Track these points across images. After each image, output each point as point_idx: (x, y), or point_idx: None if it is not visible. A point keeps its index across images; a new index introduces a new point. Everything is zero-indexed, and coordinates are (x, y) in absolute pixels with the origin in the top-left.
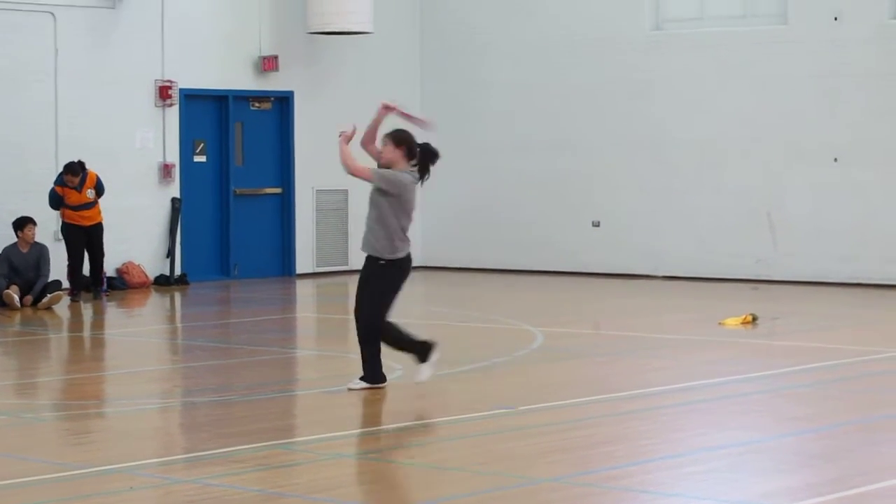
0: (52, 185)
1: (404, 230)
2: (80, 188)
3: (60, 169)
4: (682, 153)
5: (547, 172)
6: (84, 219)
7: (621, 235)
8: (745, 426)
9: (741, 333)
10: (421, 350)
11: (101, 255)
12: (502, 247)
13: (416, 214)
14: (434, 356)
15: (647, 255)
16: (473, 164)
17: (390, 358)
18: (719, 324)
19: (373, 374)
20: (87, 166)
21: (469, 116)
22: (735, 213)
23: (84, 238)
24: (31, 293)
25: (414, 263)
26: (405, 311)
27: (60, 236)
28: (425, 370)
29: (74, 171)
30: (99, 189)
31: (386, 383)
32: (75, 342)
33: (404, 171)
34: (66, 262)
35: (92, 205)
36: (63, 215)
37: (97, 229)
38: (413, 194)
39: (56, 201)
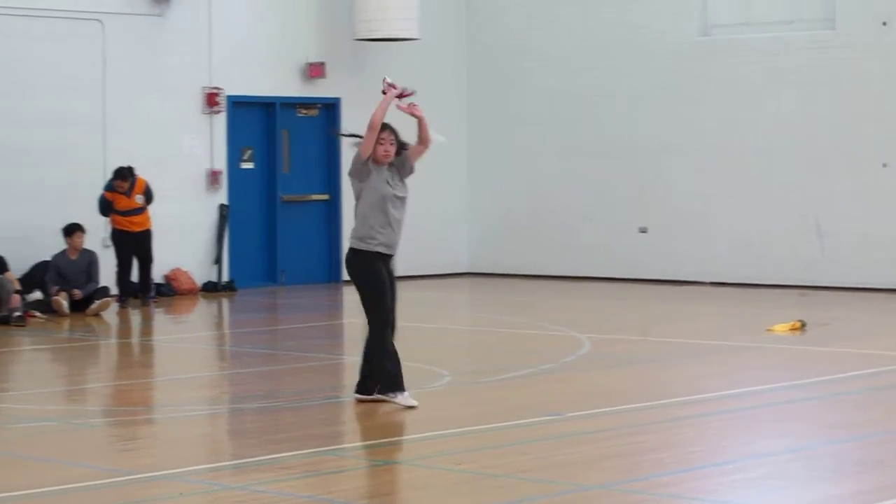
0: (101, 191)
1: None
2: (129, 193)
3: (109, 176)
4: (729, 159)
5: (593, 178)
6: (133, 225)
7: (668, 241)
8: (793, 433)
9: (789, 340)
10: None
11: (150, 261)
12: (549, 253)
13: (462, 222)
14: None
15: (694, 261)
16: (519, 170)
17: (438, 364)
18: (767, 330)
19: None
20: (136, 173)
21: (515, 122)
22: (783, 219)
23: (132, 244)
24: (81, 290)
25: (460, 269)
26: (452, 317)
27: (109, 243)
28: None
29: (124, 177)
30: (148, 195)
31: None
32: (123, 348)
33: None
34: (115, 269)
35: (141, 210)
36: (112, 221)
37: (146, 236)
38: None
39: (105, 207)
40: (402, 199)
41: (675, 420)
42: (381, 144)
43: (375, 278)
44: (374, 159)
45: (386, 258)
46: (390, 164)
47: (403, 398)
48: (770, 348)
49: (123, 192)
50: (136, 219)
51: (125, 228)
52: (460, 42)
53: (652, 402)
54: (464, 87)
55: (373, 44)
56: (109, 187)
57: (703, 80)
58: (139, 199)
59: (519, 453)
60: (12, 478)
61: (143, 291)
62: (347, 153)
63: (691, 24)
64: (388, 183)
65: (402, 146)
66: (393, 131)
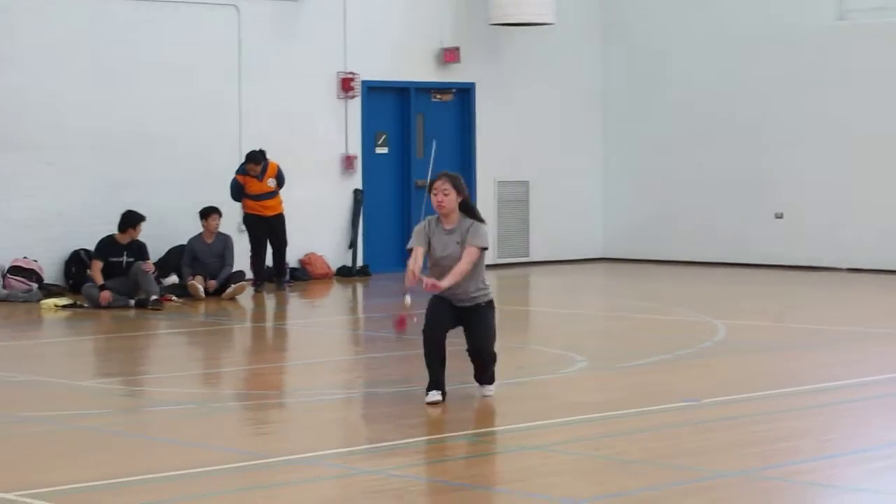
0: (233, 175)
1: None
2: (261, 177)
3: (243, 160)
4: (865, 144)
5: (728, 164)
6: (265, 209)
7: (804, 227)
8: None
9: None
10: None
11: (284, 245)
12: (684, 239)
13: (598, 207)
14: (429, 395)
15: (830, 248)
16: (656, 157)
17: (573, 350)
18: None
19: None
20: (270, 158)
21: (650, 108)
22: None
23: (266, 228)
24: (215, 280)
25: (595, 256)
26: (587, 303)
27: (244, 227)
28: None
29: (256, 160)
30: (280, 180)
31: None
32: (258, 332)
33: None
34: (249, 253)
35: (273, 195)
36: (244, 206)
37: (279, 220)
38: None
39: (237, 191)
40: (448, 258)
41: (811, 407)
42: (435, 195)
43: (427, 307)
44: (437, 213)
45: (451, 301)
46: (455, 230)
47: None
48: None
49: (255, 175)
50: (268, 203)
51: (257, 213)
52: (596, 27)
53: (788, 388)
54: (598, 72)
55: (508, 28)
56: (242, 171)
57: (839, 65)
58: (271, 182)
59: (656, 439)
60: (150, 460)
61: (278, 276)
62: (482, 138)
63: (828, 9)
64: (437, 245)
65: (467, 204)
66: (449, 178)
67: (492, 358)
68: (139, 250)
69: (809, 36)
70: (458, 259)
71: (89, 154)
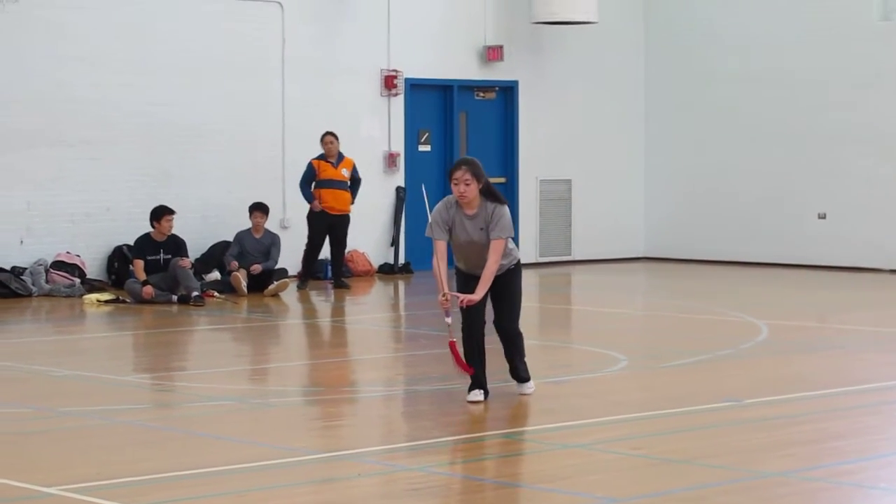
0: (308, 161)
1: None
2: (336, 164)
3: (287, 156)
4: None
5: (772, 164)
6: (336, 201)
7: (848, 228)
8: None
9: None
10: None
11: (343, 247)
12: (726, 238)
13: (640, 206)
14: (471, 394)
15: (874, 249)
16: (698, 156)
17: (615, 349)
18: None
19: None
20: (313, 158)
21: (693, 107)
22: None
23: (326, 227)
24: (260, 269)
25: (637, 255)
26: (629, 302)
27: (287, 225)
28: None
29: (330, 133)
30: (354, 178)
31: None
32: (300, 329)
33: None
34: (305, 247)
35: (344, 185)
36: (313, 198)
37: (343, 220)
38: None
39: (309, 177)
40: (474, 244)
41: (855, 408)
42: (456, 185)
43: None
44: (458, 203)
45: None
46: (477, 215)
47: (470, 395)
48: None
49: (331, 161)
50: (339, 193)
51: (325, 205)
52: (639, 26)
53: (832, 389)
54: (641, 70)
55: (551, 27)
56: (319, 156)
57: (883, 65)
58: (345, 172)
59: (696, 439)
60: (191, 456)
61: (336, 276)
62: (525, 136)
63: (872, 9)
64: (459, 232)
65: (488, 188)
66: (469, 167)
67: (515, 334)
68: (176, 247)
69: (854, 36)
70: (484, 245)
71: (134, 149)
